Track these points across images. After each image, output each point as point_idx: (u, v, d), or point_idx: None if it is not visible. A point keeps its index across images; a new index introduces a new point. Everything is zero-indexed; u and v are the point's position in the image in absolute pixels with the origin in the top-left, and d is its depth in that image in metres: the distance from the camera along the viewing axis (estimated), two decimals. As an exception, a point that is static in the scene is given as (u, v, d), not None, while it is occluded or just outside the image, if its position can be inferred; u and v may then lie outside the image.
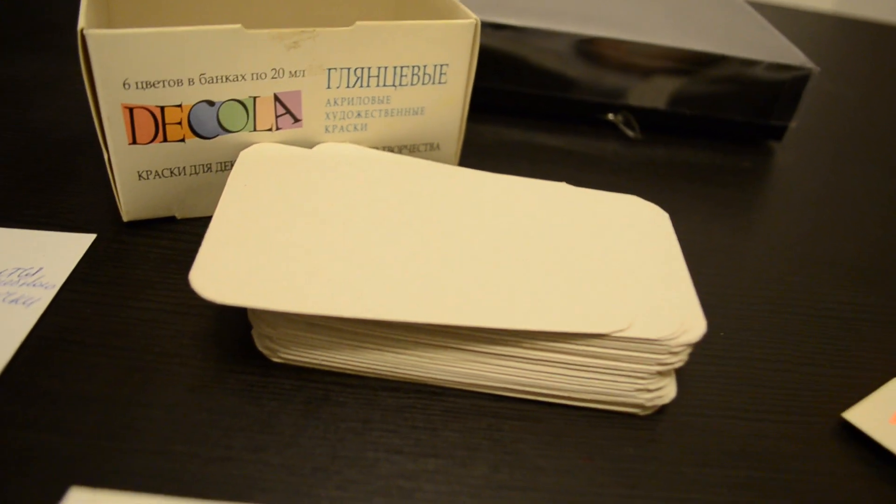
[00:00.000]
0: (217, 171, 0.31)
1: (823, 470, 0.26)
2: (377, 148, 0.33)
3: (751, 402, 0.28)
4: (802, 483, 0.25)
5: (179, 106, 0.29)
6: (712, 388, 0.28)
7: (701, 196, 0.40)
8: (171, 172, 0.30)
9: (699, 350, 0.29)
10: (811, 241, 0.38)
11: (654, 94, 0.43)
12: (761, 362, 0.30)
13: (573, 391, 0.26)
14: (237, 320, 0.27)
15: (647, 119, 0.44)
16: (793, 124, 0.44)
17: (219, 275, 0.24)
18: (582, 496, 0.23)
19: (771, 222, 0.39)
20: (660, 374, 0.25)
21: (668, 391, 0.26)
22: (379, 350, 0.25)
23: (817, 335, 0.31)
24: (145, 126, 0.29)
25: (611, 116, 0.44)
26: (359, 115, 0.32)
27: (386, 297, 0.24)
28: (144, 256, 0.30)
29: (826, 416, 0.28)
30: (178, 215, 0.32)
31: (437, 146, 0.35)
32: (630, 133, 0.44)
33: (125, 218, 0.31)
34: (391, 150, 0.34)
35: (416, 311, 0.24)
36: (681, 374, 0.28)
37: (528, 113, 0.45)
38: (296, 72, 0.30)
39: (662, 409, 0.27)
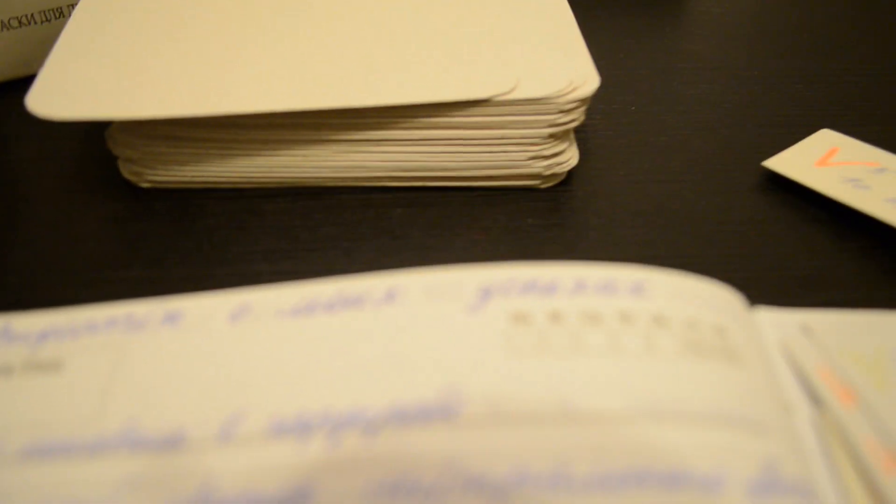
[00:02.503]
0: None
1: (744, 219, 0.24)
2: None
3: (666, 166, 0.26)
4: (723, 233, 0.23)
5: (8, -59, 0.26)
6: (623, 156, 0.26)
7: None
8: (20, 22, 0.28)
9: (607, 122, 0.27)
10: (733, 18, 0.35)
11: None
12: (676, 130, 0.28)
13: (463, 169, 0.24)
14: (103, 155, 0.25)
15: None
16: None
17: (59, 93, 0.22)
18: (478, 268, 0.22)
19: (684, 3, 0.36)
20: (554, 137, 0.23)
21: (567, 157, 0.24)
22: (249, 155, 0.23)
23: (738, 100, 0.29)
24: (-26, -32, 0.26)
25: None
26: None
27: (244, 89, 0.22)
28: (5, 114, 0.28)
29: (748, 171, 0.26)
30: (41, 71, 0.30)
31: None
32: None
33: (-19, 80, 0.29)
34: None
35: (278, 100, 0.22)
36: (587, 147, 0.26)
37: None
38: None
39: (567, 181, 0.25)
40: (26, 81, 0.29)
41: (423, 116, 0.23)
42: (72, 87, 0.22)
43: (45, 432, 0.16)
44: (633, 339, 0.16)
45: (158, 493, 0.14)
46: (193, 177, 0.24)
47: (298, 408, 0.15)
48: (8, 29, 0.28)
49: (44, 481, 0.15)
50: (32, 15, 0.28)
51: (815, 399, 0.18)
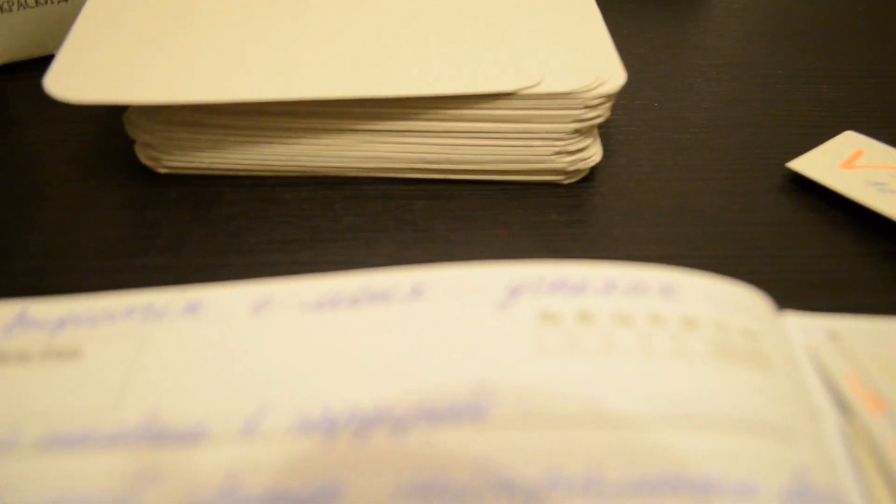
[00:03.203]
0: (88, -5, 0.28)
1: (767, 220, 0.24)
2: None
3: (688, 164, 0.26)
4: (744, 233, 0.23)
5: (27, -82, 0.26)
6: (645, 153, 0.26)
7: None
8: (36, 1, 0.28)
9: (630, 119, 0.27)
10: (756, 14, 0.35)
11: None
12: (699, 127, 0.27)
13: (486, 162, 0.23)
14: (120, 140, 0.25)
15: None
16: None
17: (78, 76, 0.22)
18: (499, 263, 0.21)
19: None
20: (579, 132, 0.23)
21: (591, 153, 0.24)
22: (269, 143, 0.23)
23: (761, 98, 0.29)
24: (-8, -55, 0.26)
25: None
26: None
27: (267, 76, 0.22)
28: (22, 95, 0.28)
29: (771, 171, 0.26)
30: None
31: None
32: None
33: (-2, 60, 0.28)
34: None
35: (301, 88, 0.21)
36: (609, 143, 0.26)
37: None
38: None
39: (589, 177, 0.25)
40: (42, 61, 0.29)
41: (448, 108, 0.22)
42: (90, 70, 0.22)
43: (64, 422, 0.16)
44: (664, 341, 0.16)
45: (181, 488, 0.14)
46: (212, 163, 0.23)
47: (324, 404, 0.15)
48: (25, 8, 0.27)
49: (61, 472, 0.15)
50: (49, -6, 0.28)
51: (843, 406, 0.17)
